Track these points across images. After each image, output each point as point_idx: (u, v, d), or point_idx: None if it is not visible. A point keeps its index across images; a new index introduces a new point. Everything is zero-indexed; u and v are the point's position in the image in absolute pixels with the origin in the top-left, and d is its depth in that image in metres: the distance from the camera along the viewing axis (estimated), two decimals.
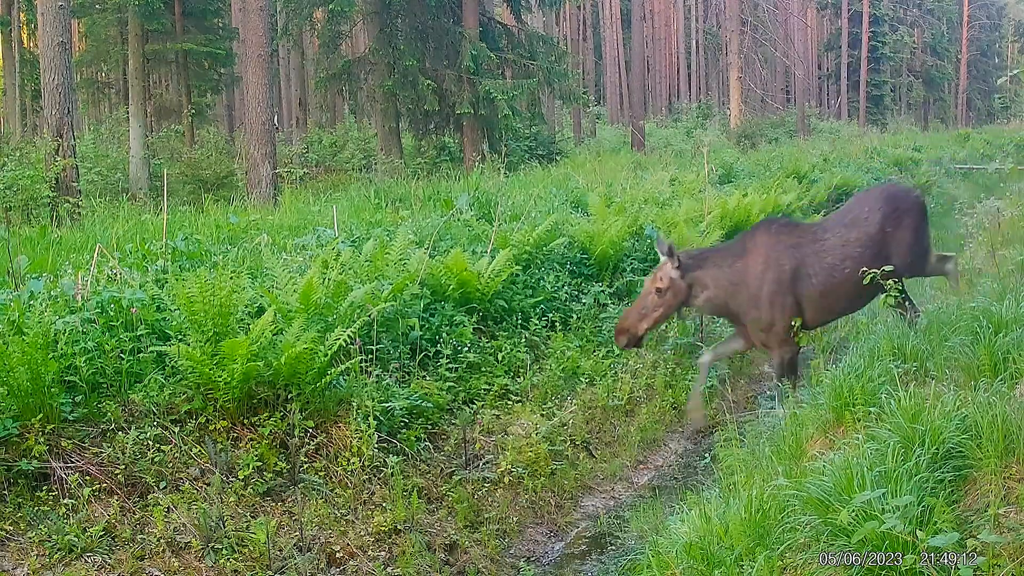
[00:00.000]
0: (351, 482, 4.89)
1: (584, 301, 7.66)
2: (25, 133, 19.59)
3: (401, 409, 5.34)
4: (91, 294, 5.21)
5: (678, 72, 51.13)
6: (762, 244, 6.01)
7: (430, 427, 5.57)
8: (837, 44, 44.80)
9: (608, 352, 7.25)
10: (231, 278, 5.05)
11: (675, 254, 6.01)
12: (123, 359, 4.83)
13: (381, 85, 18.10)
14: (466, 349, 6.20)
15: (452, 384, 5.91)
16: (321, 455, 4.96)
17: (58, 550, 3.94)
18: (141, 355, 4.90)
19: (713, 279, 6.04)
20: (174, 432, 4.67)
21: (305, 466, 4.83)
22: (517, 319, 6.89)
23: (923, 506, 3.15)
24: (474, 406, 5.95)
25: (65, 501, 4.17)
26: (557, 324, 7.17)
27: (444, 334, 6.20)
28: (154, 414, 4.70)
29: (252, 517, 4.46)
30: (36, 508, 4.11)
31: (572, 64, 27.97)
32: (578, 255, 8.28)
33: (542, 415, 6.10)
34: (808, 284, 5.91)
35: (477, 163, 14.77)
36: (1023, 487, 3.28)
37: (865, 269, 5.55)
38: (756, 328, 6.04)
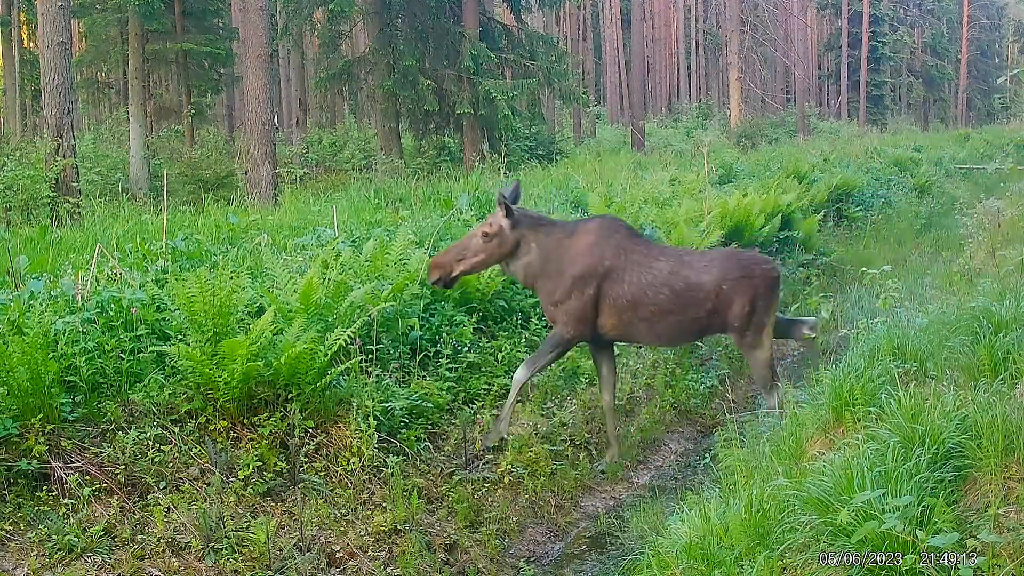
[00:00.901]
0: (351, 482, 4.89)
1: None
2: (25, 133, 19.59)
3: (401, 409, 5.34)
4: (91, 294, 5.21)
5: (678, 72, 51.13)
6: (594, 232, 5.82)
7: (430, 427, 5.57)
8: (837, 44, 44.80)
9: None
10: (231, 278, 5.05)
11: (510, 206, 5.73)
12: (123, 359, 4.83)
13: (381, 85, 18.10)
14: (466, 349, 6.20)
15: (452, 384, 5.91)
16: (321, 455, 4.96)
17: (58, 550, 3.94)
18: (141, 355, 4.91)
19: (538, 245, 5.77)
20: (174, 432, 4.67)
21: (305, 466, 4.83)
22: (517, 319, 6.89)
23: (923, 506, 3.15)
24: (474, 406, 5.95)
25: (65, 501, 4.17)
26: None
27: (444, 334, 6.20)
28: (154, 414, 4.71)
29: (252, 517, 4.46)
30: (36, 508, 4.11)
31: (572, 64, 27.98)
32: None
33: (542, 415, 6.10)
34: (619, 288, 5.71)
35: (477, 163, 14.77)
36: (1023, 487, 3.28)
37: (680, 311, 5.68)
38: (549, 299, 5.77)
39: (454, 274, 5.82)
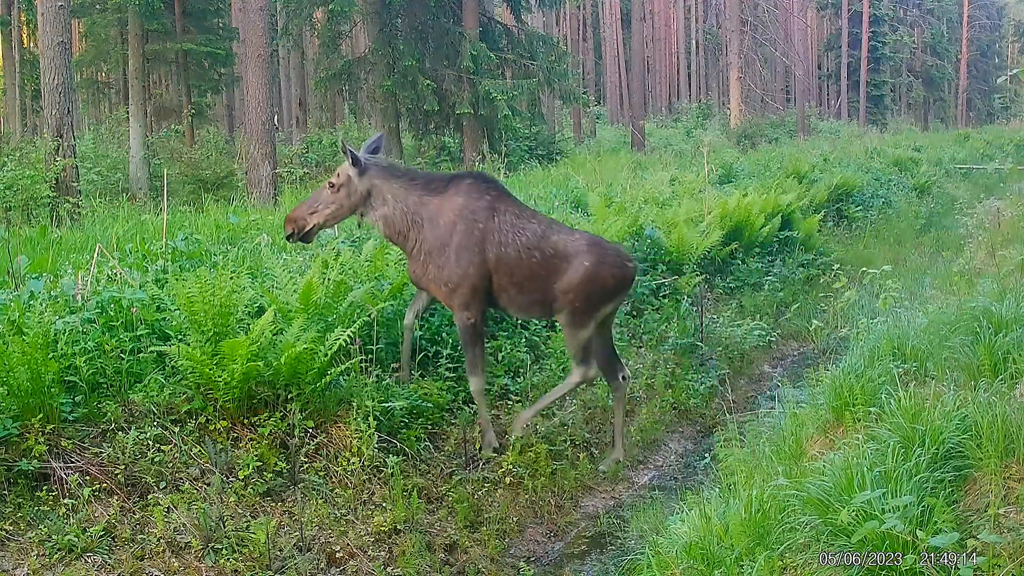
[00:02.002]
0: (351, 482, 4.89)
1: None
2: (25, 133, 19.60)
3: (401, 409, 5.34)
4: (91, 294, 5.21)
5: (678, 72, 51.14)
6: (464, 193, 5.58)
7: (430, 427, 5.58)
8: (837, 44, 44.81)
9: None
10: (231, 278, 5.05)
11: (355, 154, 5.56)
12: (123, 359, 4.83)
13: (381, 85, 18.10)
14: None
15: (452, 384, 5.91)
16: (321, 455, 4.96)
17: (58, 550, 3.94)
18: (141, 355, 4.91)
19: (395, 197, 5.55)
20: (174, 432, 4.67)
21: (305, 466, 4.83)
22: (517, 319, 6.89)
23: (923, 506, 3.15)
24: (474, 406, 5.94)
25: (65, 501, 4.17)
26: (557, 324, 7.15)
27: (444, 334, 6.20)
28: (154, 414, 4.71)
29: (252, 517, 4.46)
30: (36, 508, 4.11)
31: (572, 64, 27.95)
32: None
33: (542, 415, 6.10)
34: (500, 250, 5.49)
35: (477, 163, 14.78)
36: (1023, 487, 3.29)
37: (545, 278, 5.48)
38: (439, 284, 5.57)
39: (308, 227, 5.66)
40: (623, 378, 5.99)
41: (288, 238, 5.77)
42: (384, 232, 5.67)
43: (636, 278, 5.99)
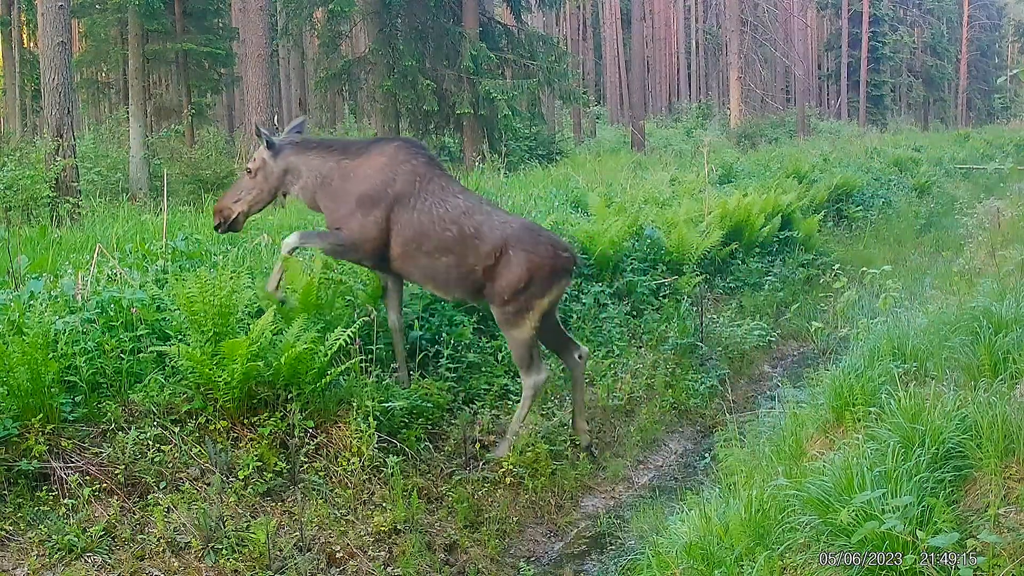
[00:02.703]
0: (351, 482, 4.89)
1: (584, 301, 7.65)
2: (25, 133, 19.58)
3: (401, 409, 5.34)
4: (91, 294, 5.21)
5: (678, 72, 51.13)
6: (388, 155, 5.54)
7: (430, 427, 5.57)
8: (837, 44, 44.80)
9: (608, 352, 7.25)
10: (231, 278, 5.05)
11: (269, 137, 5.60)
12: (123, 359, 4.83)
13: (381, 85, 18.09)
14: (466, 349, 6.20)
15: (452, 384, 5.91)
16: (321, 455, 4.96)
17: (58, 550, 3.94)
18: (141, 355, 4.91)
19: (309, 168, 5.56)
20: (174, 432, 4.67)
21: (305, 466, 4.83)
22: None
23: (923, 506, 3.15)
24: (474, 406, 5.95)
25: (65, 501, 4.17)
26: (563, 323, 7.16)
27: (444, 334, 6.20)
28: (154, 414, 4.71)
29: (252, 517, 4.46)
30: (36, 508, 4.11)
31: (572, 64, 27.93)
32: (578, 255, 8.27)
33: (542, 415, 6.10)
34: (408, 215, 5.42)
35: (477, 163, 14.77)
36: (1023, 487, 3.29)
37: (461, 256, 5.36)
38: (330, 219, 5.58)
39: (234, 216, 5.71)
40: (580, 356, 5.87)
41: (216, 228, 5.83)
42: (308, 202, 5.70)
43: (574, 269, 5.77)
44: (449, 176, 5.76)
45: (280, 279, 5.45)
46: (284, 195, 5.75)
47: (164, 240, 6.58)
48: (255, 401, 4.94)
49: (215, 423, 4.79)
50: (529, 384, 5.62)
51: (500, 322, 5.63)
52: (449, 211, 5.43)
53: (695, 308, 8.30)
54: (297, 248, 5.56)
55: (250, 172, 5.66)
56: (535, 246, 5.48)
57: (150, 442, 4.54)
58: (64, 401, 4.48)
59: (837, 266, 8.32)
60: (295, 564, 4.27)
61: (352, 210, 5.45)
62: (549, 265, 5.49)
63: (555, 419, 6.11)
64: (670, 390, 7.15)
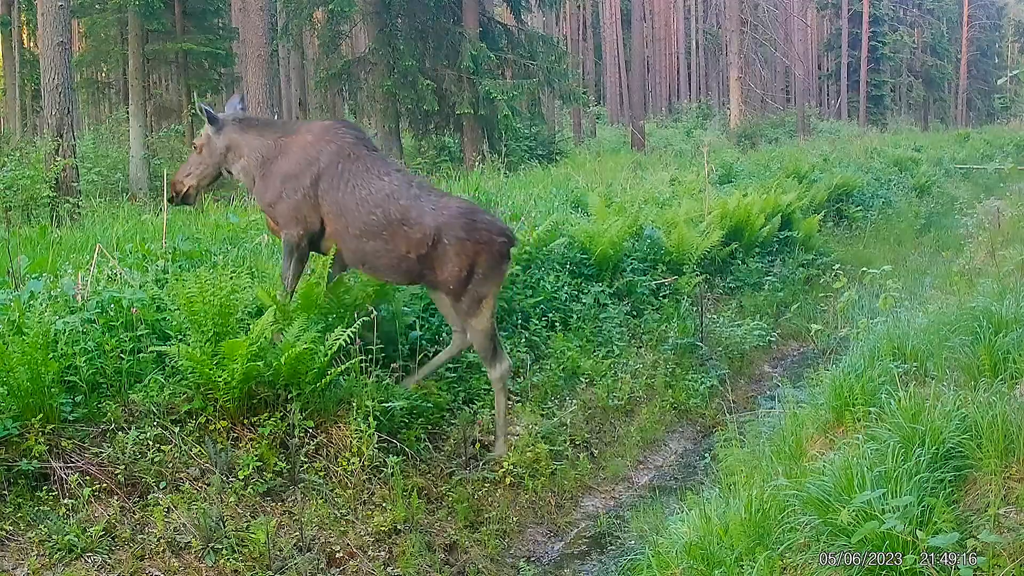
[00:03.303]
0: (351, 482, 4.89)
1: (584, 301, 7.66)
2: (25, 133, 19.59)
3: (401, 409, 5.34)
4: (91, 294, 5.21)
5: (678, 72, 51.12)
6: (314, 134, 5.50)
7: (430, 427, 5.57)
8: (837, 44, 44.78)
9: (608, 352, 7.25)
10: (231, 278, 5.05)
11: (212, 113, 5.60)
12: (123, 359, 4.83)
13: (381, 85, 18.09)
14: (466, 349, 6.19)
15: (452, 384, 5.91)
16: (321, 455, 4.96)
17: (58, 550, 3.94)
18: (141, 355, 4.91)
19: (250, 147, 5.52)
20: (174, 432, 4.67)
21: (305, 466, 4.83)
22: (517, 319, 6.89)
23: (923, 506, 3.15)
24: (474, 406, 5.95)
25: (65, 501, 4.17)
26: (557, 324, 7.17)
27: (444, 334, 6.20)
28: (154, 414, 4.70)
29: (252, 517, 4.46)
30: (36, 508, 4.11)
31: (572, 64, 27.94)
32: (578, 255, 8.28)
33: (542, 415, 6.10)
34: (334, 195, 5.33)
35: (477, 163, 14.77)
36: (1023, 487, 3.29)
37: (389, 242, 5.25)
38: (260, 201, 5.57)
39: (185, 190, 5.77)
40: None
41: (170, 201, 5.92)
42: (247, 184, 5.68)
43: (512, 252, 5.60)
44: (380, 157, 5.62)
45: (293, 285, 5.50)
46: (229, 173, 5.71)
47: (164, 240, 6.58)
48: (255, 401, 4.94)
49: (215, 423, 4.79)
50: (496, 377, 5.56)
51: (460, 315, 5.52)
52: (372, 193, 5.32)
53: (695, 308, 8.30)
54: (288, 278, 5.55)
55: (196, 148, 5.74)
56: (471, 232, 5.32)
57: (150, 442, 4.54)
58: (64, 401, 4.48)
59: (837, 266, 8.33)
60: (295, 564, 4.27)
61: (278, 192, 5.42)
62: (487, 251, 5.35)
63: (555, 419, 6.10)
64: (670, 390, 7.15)
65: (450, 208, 5.37)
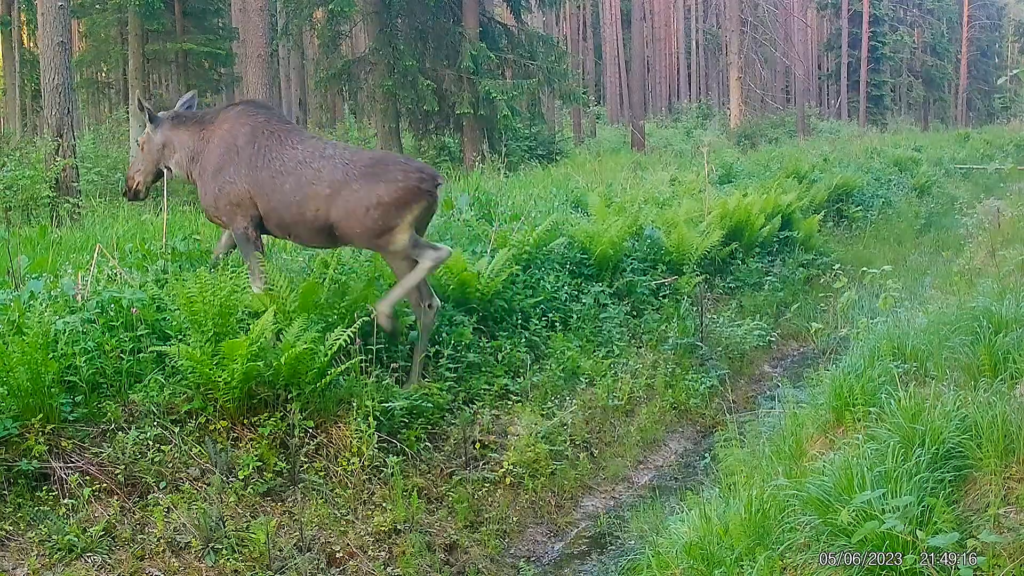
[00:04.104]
0: (351, 482, 4.89)
1: (584, 301, 7.66)
2: (25, 133, 19.58)
3: (401, 409, 5.34)
4: (91, 294, 5.21)
5: (678, 72, 51.12)
6: (232, 119, 5.66)
7: (430, 427, 5.57)
8: (837, 44, 44.76)
9: (608, 352, 7.25)
10: (231, 278, 5.05)
11: (150, 111, 5.83)
12: (123, 359, 4.83)
13: (381, 85, 18.08)
14: (466, 349, 6.20)
15: (452, 384, 5.91)
16: (321, 455, 4.97)
17: (58, 550, 3.94)
18: (141, 355, 4.91)
19: (181, 142, 5.76)
20: (174, 432, 4.67)
21: (305, 466, 4.83)
22: (517, 319, 6.89)
23: (923, 506, 3.15)
24: (474, 406, 5.95)
25: (65, 501, 4.17)
26: (557, 324, 7.17)
27: (444, 334, 6.20)
28: (154, 414, 4.71)
29: (252, 517, 4.46)
30: (36, 508, 4.11)
31: (572, 64, 27.93)
32: (578, 255, 8.28)
33: (542, 415, 6.10)
34: (256, 174, 5.49)
35: (477, 163, 14.77)
36: (1023, 487, 3.29)
37: (301, 205, 5.36)
38: (204, 201, 5.74)
39: (135, 185, 6.03)
40: (430, 306, 5.75)
41: (124, 195, 6.20)
42: (184, 175, 5.87)
43: (432, 188, 5.51)
44: (294, 130, 5.76)
45: (261, 274, 5.55)
46: (168, 168, 5.91)
47: (164, 240, 6.58)
48: (255, 401, 4.94)
49: (215, 423, 4.79)
50: (428, 259, 5.48)
51: (386, 258, 5.62)
52: (285, 163, 5.48)
53: (695, 308, 8.30)
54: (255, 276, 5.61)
55: (139, 144, 5.94)
56: (384, 175, 5.39)
57: (150, 442, 4.55)
58: (64, 401, 4.48)
59: (837, 266, 8.33)
60: (295, 564, 4.27)
61: (215, 190, 5.60)
62: (395, 191, 5.37)
63: (555, 419, 6.10)
64: (670, 390, 7.15)
65: (360, 158, 5.55)
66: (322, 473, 4.87)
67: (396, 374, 5.73)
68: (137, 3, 17.27)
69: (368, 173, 5.40)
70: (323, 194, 5.39)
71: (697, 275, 8.83)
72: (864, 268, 6.73)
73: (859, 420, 4.19)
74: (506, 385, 6.25)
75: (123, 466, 4.40)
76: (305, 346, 4.89)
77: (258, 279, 5.52)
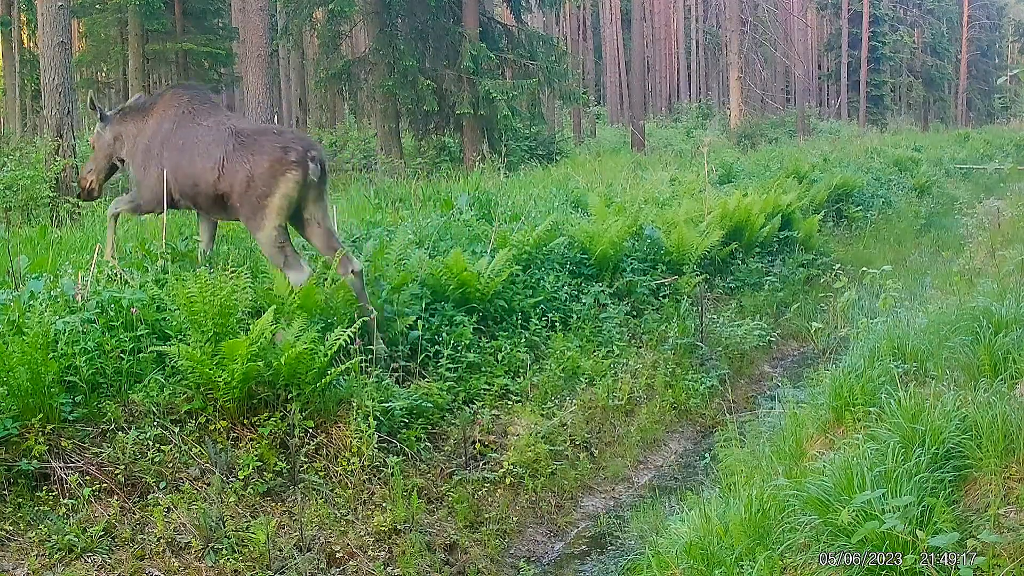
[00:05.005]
0: (351, 482, 4.89)
1: (584, 301, 7.66)
2: (25, 133, 19.58)
3: (401, 409, 5.34)
4: (91, 294, 5.21)
5: (678, 72, 51.11)
6: (161, 107, 5.91)
7: (430, 427, 5.57)
8: (837, 44, 44.76)
9: (608, 352, 7.25)
10: (231, 278, 5.05)
11: (100, 109, 6.03)
12: (123, 359, 4.83)
13: (381, 85, 18.08)
14: (466, 349, 6.20)
15: (452, 384, 5.91)
16: (321, 455, 4.96)
17: (58, 550, 3.94)
18: (141, 355, 4.91)
19: (128, 134, 6.00)
20: (174, 432, 4.67)
21: (305, 466, 4.83)
22: (517, 319, 6.89)
23: (923, 506, 3.15)
24: (474, 406, 5.95)
25: (65, 501, 4.17)
26: (557, 324, 7.17)
27: (444, 334, 6.20)
28: (154, 414, 4.71)
29: (252, 517, 4.46)
30: (36, 508, 4.11)
31: (572, 64, 27.93)
32: (578, 255, 8.28)
33: (542, 415, 6.10)
34: (170, 154, 5.73)
35: (477, 163, 14.76)
36: (1023, 487, 3.29)
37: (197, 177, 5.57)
38: (135, 179, 5.98)
39: (88, 185, 6.25)
40: (353, 272, 5.71)
41: (78, 196, 6.41)
42: (134, 167, 6.04)
43: (302, 159, 5.50)
44: (213, 109, 5.93)
45: (113, 245, 5.91)
46: (121, 161, 6.10)
47: (164, 240, 6.58)
48: (255, 401, 4.94)
49: (215, 423, 4.79)
50: (295, 280, 5.52)
51: (251, 231, 5.69)
52: (187, 140, 5.72)
53: (695, 308, 8.30)
54: (118, 213, 6.05)
55: (92, 144, 6.13)
56: (256, 149, 5.50)
57: (150, 442, 4.54)
58: (64, 401, 4.48)
59: (837, 266, 8.33)
60: (295, 564, 4.27)
61: (145, 168, 5.83)
62: (265, 164, 5.45)
63: (555, 419, 6.10)
64: (670, 390, 7.15)
65: (244, 130, 5.69)
66: (322, 473, 4.87)
67: (396, 374, 5.73)
68: (137, 3, 17.27)
69: (247, 144, 5.56)
70: (212, 166, 5.58)
71: (697, 275, 8.83)
72: (864, 268, 6.72)
73: (859, 420, 4.19)
74: (506, 385, 6.25)
75: (123, 466, 4.40)
76: (305, 346, 4.89)
77: (125, 205, 5.99)
